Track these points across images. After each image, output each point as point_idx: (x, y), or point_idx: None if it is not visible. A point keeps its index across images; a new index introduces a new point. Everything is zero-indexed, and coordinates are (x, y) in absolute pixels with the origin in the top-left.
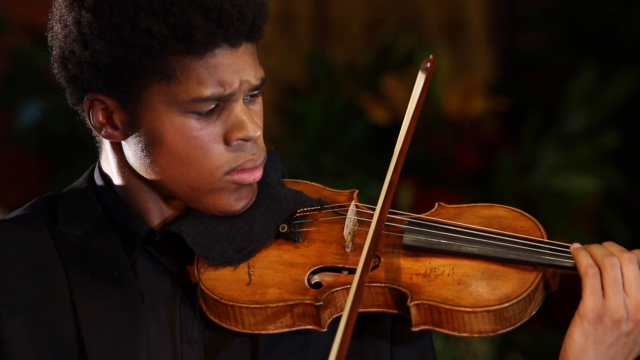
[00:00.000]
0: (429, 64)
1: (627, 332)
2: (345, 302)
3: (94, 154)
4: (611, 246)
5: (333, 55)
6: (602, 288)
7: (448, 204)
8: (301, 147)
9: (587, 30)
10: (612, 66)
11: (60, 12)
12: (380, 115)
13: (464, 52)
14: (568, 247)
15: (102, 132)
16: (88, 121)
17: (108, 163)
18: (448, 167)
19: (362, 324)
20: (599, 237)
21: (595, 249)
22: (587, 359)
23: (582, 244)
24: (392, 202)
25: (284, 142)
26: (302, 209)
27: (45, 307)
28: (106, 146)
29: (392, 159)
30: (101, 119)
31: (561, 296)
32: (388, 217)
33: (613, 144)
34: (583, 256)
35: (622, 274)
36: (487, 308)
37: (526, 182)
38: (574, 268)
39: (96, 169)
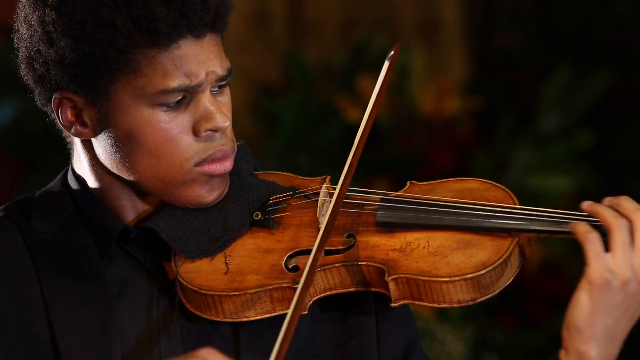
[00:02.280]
0: (392, 52)
1: (633, 293)
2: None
3: (69, 155)
4: (626, 202)
5: (308, 55)
6: (609, 249)
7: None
8: (276, 147)
9: (561, 30)
10: (587, 66)
11: (25, 12)
12: (355, 115)
13: (439, 52)
14: (543, 212)
15: (72, 130)
16: (57, 120)
17: (80, 163)
18: (423, 166)
19: (344, 317)
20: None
21: (603, 209)
22: (594, 322)
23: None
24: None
25: (259, 142)
26: (274, 196)
27: (16, 305)
28: (77, 145)
29: (355, 142)
30: (70, 117)
31: (535, 296)
32: (361, 196)
33: (587, 143)
34: (578, 224)
35: (633, 234)
36: (464, 276)
37: (501, 182)
38: (545, 231)
39: (69, 172)
